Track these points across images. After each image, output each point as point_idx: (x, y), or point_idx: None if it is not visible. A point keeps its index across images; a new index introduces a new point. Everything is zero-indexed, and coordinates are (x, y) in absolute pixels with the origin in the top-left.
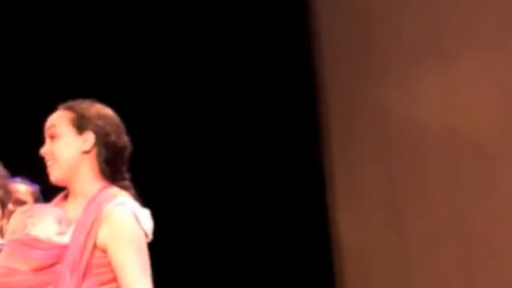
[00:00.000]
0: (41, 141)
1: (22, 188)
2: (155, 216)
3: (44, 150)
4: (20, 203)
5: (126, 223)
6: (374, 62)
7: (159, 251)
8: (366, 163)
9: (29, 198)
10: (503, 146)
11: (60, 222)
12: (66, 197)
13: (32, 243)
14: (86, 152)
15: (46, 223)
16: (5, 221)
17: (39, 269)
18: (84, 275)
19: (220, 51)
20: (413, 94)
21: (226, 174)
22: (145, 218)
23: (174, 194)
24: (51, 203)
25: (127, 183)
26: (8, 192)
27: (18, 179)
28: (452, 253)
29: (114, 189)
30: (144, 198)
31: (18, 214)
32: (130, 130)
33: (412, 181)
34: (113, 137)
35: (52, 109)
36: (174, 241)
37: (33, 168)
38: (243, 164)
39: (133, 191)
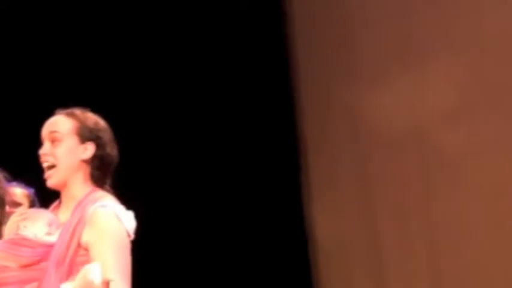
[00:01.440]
0: (37, 147)
1: (18, 191)
2: (138, 215)
3: (44, 151)
4: (16, 205)
5: (107, 223)
6: (348, 66)
7: (142, 247)
8: (339, 162)
9: (24, 201)
10: (468, 147)
11: (50, 225)
12: (60, 203)
13: (20, 242)
14: (84, 161)
15: (37, 225)
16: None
17: (26, 266)
18: (69, 272)
19: (198, 58)
20: (383, 97)
21: (204, 170)
22: (128, 219)
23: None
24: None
25: (108, 188)
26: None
27: (14, 183)
28: (420, 246)
29: (100, 193)
30: (124, 198)
31: (14, 217)
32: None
33: (384, 179)
34: (108, 149)
35: (48, 114)
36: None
37: (29, 172)
38: (221, 161)
39: (113, 194)
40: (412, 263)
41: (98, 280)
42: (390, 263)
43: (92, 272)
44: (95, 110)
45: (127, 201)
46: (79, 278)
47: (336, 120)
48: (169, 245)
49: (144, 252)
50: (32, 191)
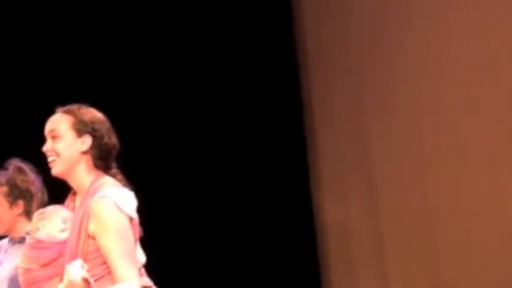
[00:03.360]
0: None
1: None
2: (146, 215)
3: (46, 148)
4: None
5: (107, 215)
6: (351, 61)
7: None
8: (346, 155)
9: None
10: (466, 151)
11: (65, 221)
12: (75, 193)
13: (37, 245)
14: (84, 153)
15: (53, 223)
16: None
17: (46, 265)
18: (84, 261)
19: (209, 55)
20: (386, 92)
21: (212, 157)
22: (128, 202)
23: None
24: (64, 204)
25: (115, 171)
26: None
27: None
28: (419, 231)
29: (103, 180)
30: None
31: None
32: (123, 129)
33: (386, 170)
34: (105, 140)
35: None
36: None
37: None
38: (231, 152)
39: (121, 176)
40: (412, 247)
41: (77, 278)
42: (391, 247)
43: (72, 271)
44: (116, 108)
45: (142, 184)
46: (64, 278)
47: (343, 115)
48: (179, 231)
49: (156, 235)
50: (39, 178)
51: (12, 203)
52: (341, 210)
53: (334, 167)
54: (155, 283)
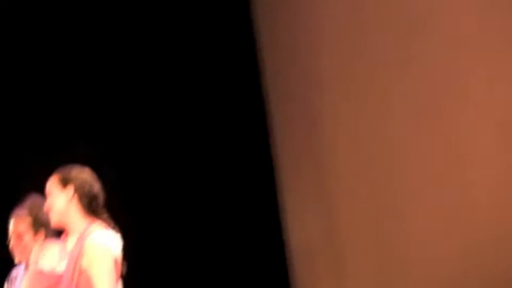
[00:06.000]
0: None
1: None
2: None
3: (45, 207)
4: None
5: (97, 254)
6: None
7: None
8: (307, 187)
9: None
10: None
11: (60, 253)
12: (67, 234)
13: (39, 273)
14: (70, 200)
15: (51, 255)
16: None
17: None
18: None
19: (169, 55)
20: (345, 106)
21: (188, 176)
22: (115, 244)
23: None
24: (60, 238)
25: (105, 216)
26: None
27: None
28: (371, 246)
29: (94, 226)
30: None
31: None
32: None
33: (342, 197)
34: (87, 188)
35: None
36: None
37: None
38: (203, 176)
39: (110, 221)
40: (364, 259)
41: None
42: (346, 259)
43: None
44: None
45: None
46: None
47: (307, 161)
48: (155, 251)
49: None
50: None
51: (36, 232)
52: (304, 229)
53: (298, 196)
54: None
